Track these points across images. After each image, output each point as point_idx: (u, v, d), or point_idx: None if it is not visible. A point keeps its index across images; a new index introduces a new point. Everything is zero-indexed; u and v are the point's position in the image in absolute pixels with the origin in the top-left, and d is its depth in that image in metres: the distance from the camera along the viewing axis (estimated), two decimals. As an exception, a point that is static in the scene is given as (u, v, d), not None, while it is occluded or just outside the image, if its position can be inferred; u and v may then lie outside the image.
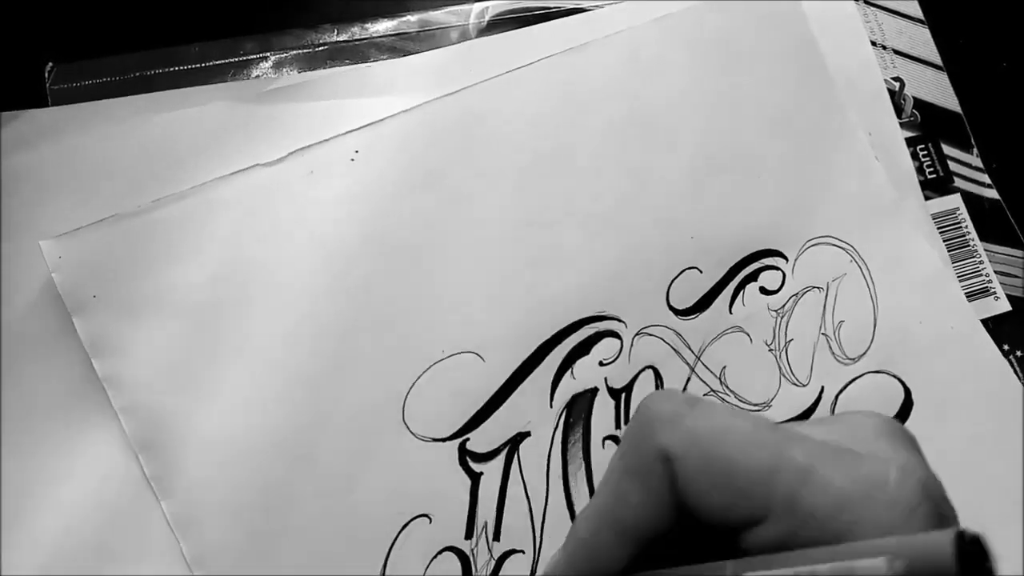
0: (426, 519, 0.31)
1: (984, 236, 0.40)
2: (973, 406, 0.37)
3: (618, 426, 0.34)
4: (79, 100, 0.34)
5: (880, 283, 0.38)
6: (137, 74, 0.35)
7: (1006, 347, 0.39)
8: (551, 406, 0.33)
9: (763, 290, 0.37)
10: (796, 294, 0.37)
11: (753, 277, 0.37)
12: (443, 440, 0.32)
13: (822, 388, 0.36)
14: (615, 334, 0.35)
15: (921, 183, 0.40)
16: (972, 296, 0.39)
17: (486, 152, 0.35)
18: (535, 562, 0.32)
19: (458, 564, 0.31)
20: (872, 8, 0.42)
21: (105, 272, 0.30)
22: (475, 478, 0.32)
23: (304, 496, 0.31)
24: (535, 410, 0.33)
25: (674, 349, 0.35)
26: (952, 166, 0.41)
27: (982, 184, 0.41)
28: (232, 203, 0.33)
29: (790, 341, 0.36)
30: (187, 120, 0.34)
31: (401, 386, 0.32)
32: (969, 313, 0.38)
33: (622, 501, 0.20)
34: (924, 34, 0.42)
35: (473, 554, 0.31)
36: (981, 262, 0.40)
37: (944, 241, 0.40)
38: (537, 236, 0.34)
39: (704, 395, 0.35)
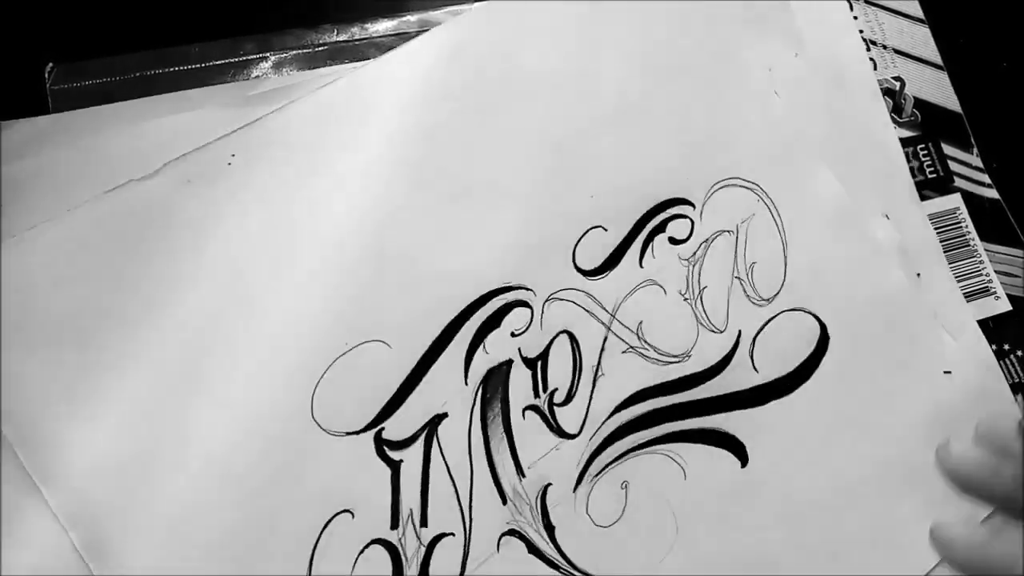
0: (348, 514, 0.31)
1: (984, 236, 0.40)
2: (887, 334, 0.37)
3: (536, 395, 0.33)
4: (79, 101, 0.34)
5: (788, 220, 0.38)
6: (137, 74, 0.35)
7: (1007, 346, 0.39)
8: (466, 383, 0.33)
9: (672, 240, 0.36)
10: (707, 240, 0.37)
11: (661, 228, 0.36)
12: (357, 433, 0.31)
13: (739, 332, 0.36)
14: (525, 303, 0.34)
15: (921, 183, 0.40)
16: (972, 296, 0.39)
17: (372, 127, 0.34)
18: (467, 543, 0.32)
19: (387, 556, 0.31)
20: (872, 7, 0.42)
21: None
22: (395, 467, 0.32)
23: (220, 507, 0.30)
24: (450, 390, 0.33)
25: (587, 311, 0.35)
26: (952, 166, 0.41)
27: (982, 184, 0.41)
28: (106, 220, 0.32)
29: (704, 288, 0.36)
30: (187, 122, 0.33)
31: (307, 384, 0.31)
32: (875, 241, 0.38)
33: None
34: (924, 34, 0.42)
35: (401, 544, 0.31)
36: (981, 262, 0.40)
37: (944, 241, 0.40)
38: (434, 212, 0.34)
39: (622, 352, 0.35)
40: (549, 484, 0.33)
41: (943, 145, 0.41)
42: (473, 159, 0.34)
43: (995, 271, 0.40)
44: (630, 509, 0.33)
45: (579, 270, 0.35)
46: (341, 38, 0.37)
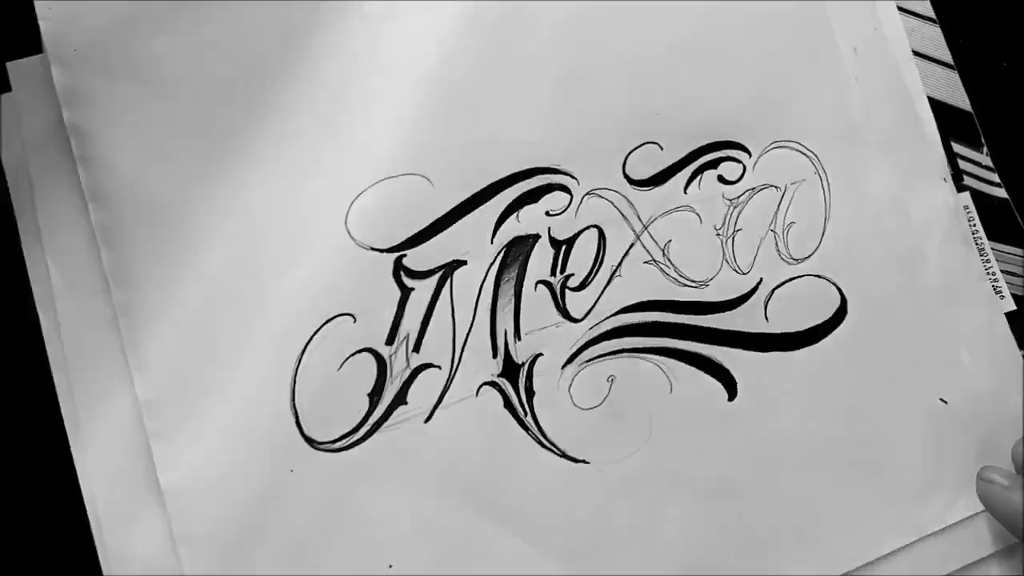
0: (350, 318, 0.32)
1: (992, 235, 0.40)
2: (905, 325, 0.37)
3: (553, 273, 0.35)
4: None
5: (837, 195, 0.38)
6: None
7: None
8: (492, 242, 0.35)
9: (721, 179, 0.38)
10: (753, 188, 0.38)
11: (713, 165, 0.38)
12: (380, 251, 0.33)
13: (760, 279, 0.37)
14: (566, 189, 0.36)
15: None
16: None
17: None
18: (449, 380, 0.33)
19: (375, 365, 0.32)
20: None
21: (90, 29, 0.32)
22: (405, 291, 0.33)
23: (238, 273, 0.32)
24: (475, 242, 0.34)
25: (622, 214, 0.36)
26: (962, 164, 0.41)
27: (991, 183, 0.41)
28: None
29: (738, 230, 0.37)
30: None
31: (348, 193, 0.33)
32: (918, 238, 0.39)
33: None
34: (935, 32, 0.42)
35: (391, 360, 0.33)
36: (988, 261, 0.40)
37: (952, 239, 0.40)
38: (506, 81, 0.35)
39: (644, 262, 0.36)
40: (540, 355, 0.34)
41: (953, 144, 0.41)
42: (558, 45, 0.36)
43: (1000, 271, 0.40)
44: (610, 401, 0.34)
45: (625, 176, 0.36)
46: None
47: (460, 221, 0.34)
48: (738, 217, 0.37)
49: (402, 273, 0.33)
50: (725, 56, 0.38)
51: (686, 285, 0.36)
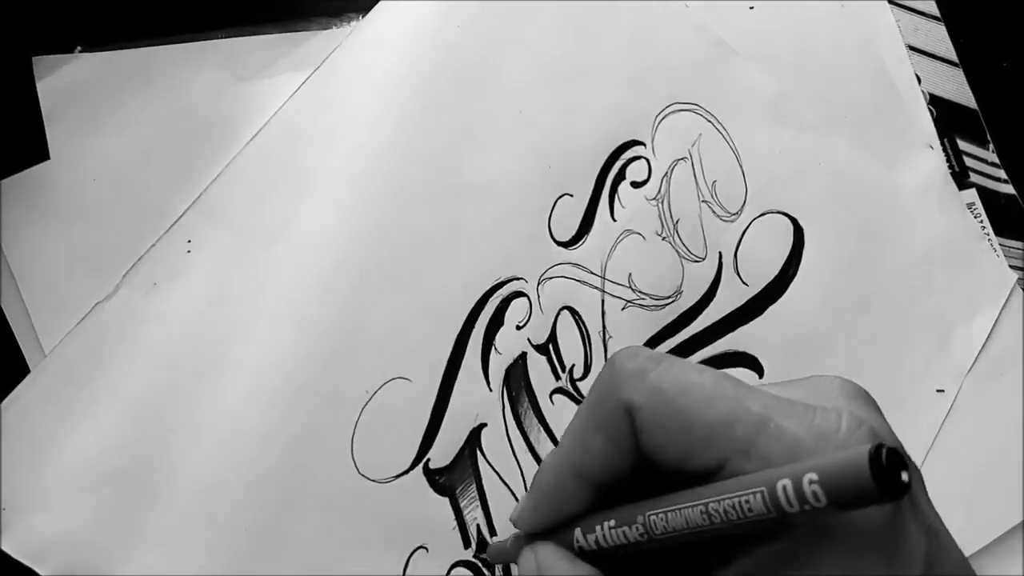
0: (423, 550, 0.31)
1: (999, 231, 0.41)
2: (854, 211, 0.38)
3: (557, 378, 0.34)
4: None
5: (732, 128, 0.38)
6: None
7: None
8: (491, 390, 0.33)
9: (635, 184, 0.36)
10: (666, 173, 0.37)
11: (621, 176, 0.36)
12: (406, 472, 0.32)
13: (720, 254, 0.37)
14: (521, 293, 0.34)
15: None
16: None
17: (316, 173, 0.33)
18: (538, 536, 0.33)
19: (471, 575, 0.32)
20: (889, 6, 0.41)
21: None
22: (450, 492, 0.32)
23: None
24: (478, 400, 0.33)
25: (578, 281, 0.35)
26: (968, 161, 0.41)
27: (998, 179, 0.41)
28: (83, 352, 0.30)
29: (677, 222, 0.37)
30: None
31: (342, 442, 0.31)
32: (826, 124, 0.39)
33: (585, 450, 0.22)
34: (940, 31, 0.42)
35: (478, 557, 0.32)
36: (997, 257, 0.40)
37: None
38: (410, 239, 0.33)
39: (622, 310, 0.35)
40: (595, 456, 0.34)
41: (959, 141, 0.41)
42: (433, 170, 0.33)
43: (1009, 266, 0.40)
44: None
45: (559, 243, 0.35)
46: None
47: (453, 391, 0.33)
48: (670, 209, 0.37)
49: (436, 477, 0.32)
50: (574, 73, 0.36)
51: (666, 304, 0.36)
